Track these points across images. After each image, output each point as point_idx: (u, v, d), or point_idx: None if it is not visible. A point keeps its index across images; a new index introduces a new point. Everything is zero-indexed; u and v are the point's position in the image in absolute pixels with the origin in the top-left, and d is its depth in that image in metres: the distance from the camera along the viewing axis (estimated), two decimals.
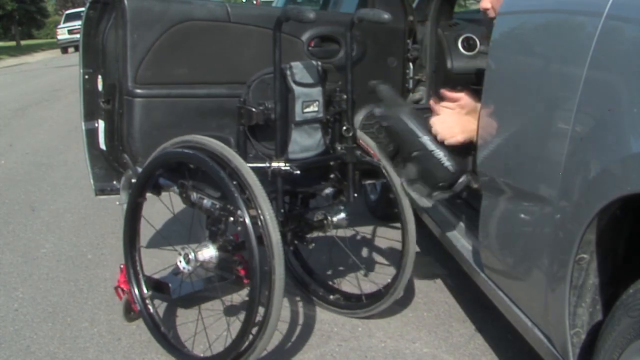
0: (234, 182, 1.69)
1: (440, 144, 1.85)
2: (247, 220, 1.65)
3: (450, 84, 2.53)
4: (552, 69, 1.39)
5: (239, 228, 1.75)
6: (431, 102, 1.94)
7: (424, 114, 1.93)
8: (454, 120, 1.86)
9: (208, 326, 2.11)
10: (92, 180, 2.18)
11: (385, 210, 3.07)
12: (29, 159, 5.09)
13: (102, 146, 2.11)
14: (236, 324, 2.05)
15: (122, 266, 2.12)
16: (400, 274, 2.06)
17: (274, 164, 1.84)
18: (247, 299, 2.23)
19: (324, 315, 2.24)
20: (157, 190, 2.02)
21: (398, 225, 2.98)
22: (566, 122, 1.26)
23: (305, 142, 1.92)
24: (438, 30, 2.53)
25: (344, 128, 2.00)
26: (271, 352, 1.99)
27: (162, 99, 1.96)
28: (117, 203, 2.13)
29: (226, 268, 2.08)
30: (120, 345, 2.10)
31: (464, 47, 2.47)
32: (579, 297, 1.29)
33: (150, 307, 2.04)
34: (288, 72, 1.88)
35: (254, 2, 14.01)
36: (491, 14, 1.88)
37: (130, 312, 2.17)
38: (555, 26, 1.43)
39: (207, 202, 1.83)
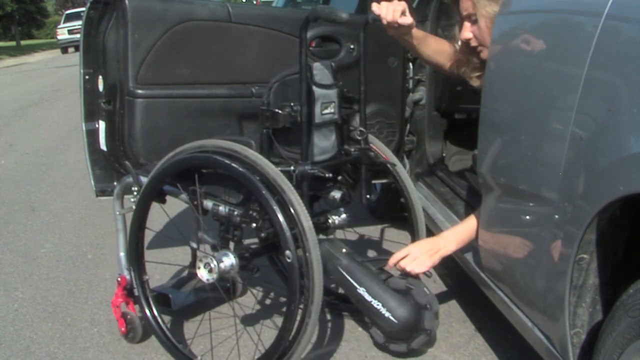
0: (267, 188, 1.64)
1: (384, 292, 1.86)
2: (285, 227, 1.60)
3: (450, 84, 2.54)
4: (552, 69, 1.39)
5: (263, 235, 1.72)
6: (390, 264, 1.97)
7: (376, 264, 1.97)
8: (417, 251, 1.92)
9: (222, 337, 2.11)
10: (92, 181, 2.18)
11: (384, 211, 3.08)
12: (29, 159, 5.09)
13: (103, 147, 2.11)
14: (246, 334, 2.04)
15: (119, 279, 2.05)
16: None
17: (300, 168, 1.77)
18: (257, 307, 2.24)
19: (323, 316, 2.23)
20: (162, 197, 1.96)
21: (398, 225, 3.01)
22: (566, 122, 1.27)
23: (322, 144, 1.88)
24: (438, 30, 2.53)
25: (359, 130, 1.95)
26: None
27: (163, 100, 1.96)
28: (117, 212, 2.08)
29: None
30: (120, 345, 2.10)
31: None
32: (579, 297, 1.29)
33: (160, 322, 1.96)
34: (308, 74, 1.81)
35: (254, 2, 14.01)
36: (473, 42, 1.87)
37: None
38: (555, 26, 1.43)
39: (223, 208, 1.79)
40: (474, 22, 1.84)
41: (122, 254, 2.09)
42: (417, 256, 1.91)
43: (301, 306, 1.63)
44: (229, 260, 1.77)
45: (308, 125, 1.77)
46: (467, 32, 1.87)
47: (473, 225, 1.88)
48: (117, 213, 2.10)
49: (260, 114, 1.81)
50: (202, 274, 1.78)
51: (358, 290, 1.87)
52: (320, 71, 1.82)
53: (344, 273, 1.90)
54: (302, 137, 1.78)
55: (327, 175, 1.78)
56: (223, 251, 1.80)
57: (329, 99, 1.84)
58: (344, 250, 1.95)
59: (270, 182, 1.65)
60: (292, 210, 1.61)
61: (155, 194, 1.90)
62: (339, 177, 2.03)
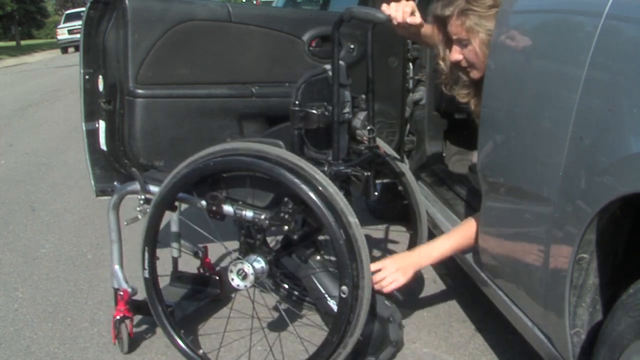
0: (333, 216, 1.63)
1: None
2: (348, 263, 1.61)
3: None
4: (552, 69, 1.39)
5: (295, 237, 1.71)
6: None
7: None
8: (393, 266, 1.88)
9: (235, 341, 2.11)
10: (92, 181, 2.17)
11: (384, 211, 3.08)
12: (29, 159, 5.09)
13: (103, 146, 2.11)
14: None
15: (121, 292, 2.01)
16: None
17: (334, 168, 1.75)
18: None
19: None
20: (172, 205, 1.89)
21: (398, 224, 3.01)
22: (566, 122, 1.27)
23: (340, 143, 1.86)
24: None
25: (369, 128, 1.94)
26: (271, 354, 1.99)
27: (163, 99, 1.96)
28: (125, 223, 1.98)
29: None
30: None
31: None
32: (579, 297, 1.29)
33: (165, 308, 1.91)
34: (330, 74, 1.80)
35: (254, 2, 14.01)
36: (464, 64, 1.85)
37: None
38: (555, 26, 1.43)
39: (248, 213, 1.75)
40: (464, 46, 1.80)
41: (117, 266, 2.03)
42: (392, 271, 1.87)
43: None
44: (259, 264, 1.75)
45: (338, 124, 1.76)
46: (456, 54, 1.83)
47: (454, 240, 1.88)
48: (125, 224, 1.98)
49: (291, 115, 1.76)
50: (234, 279, 1.74)
51: (329, 302, 1.82)
52: (340, 72, 1.81)
53: (317, 283, 1.86)
54: (334, 136, 1.76)
55: (365, 174, 1.78)
56: (252, 256, 1.77)
57: (346, 99, 1.84)
58: (318, 257, 1.91)
59: (337, 212, 1.62)
60: (356, 246, 1.61)
61: (174, 198, 1.83)
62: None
